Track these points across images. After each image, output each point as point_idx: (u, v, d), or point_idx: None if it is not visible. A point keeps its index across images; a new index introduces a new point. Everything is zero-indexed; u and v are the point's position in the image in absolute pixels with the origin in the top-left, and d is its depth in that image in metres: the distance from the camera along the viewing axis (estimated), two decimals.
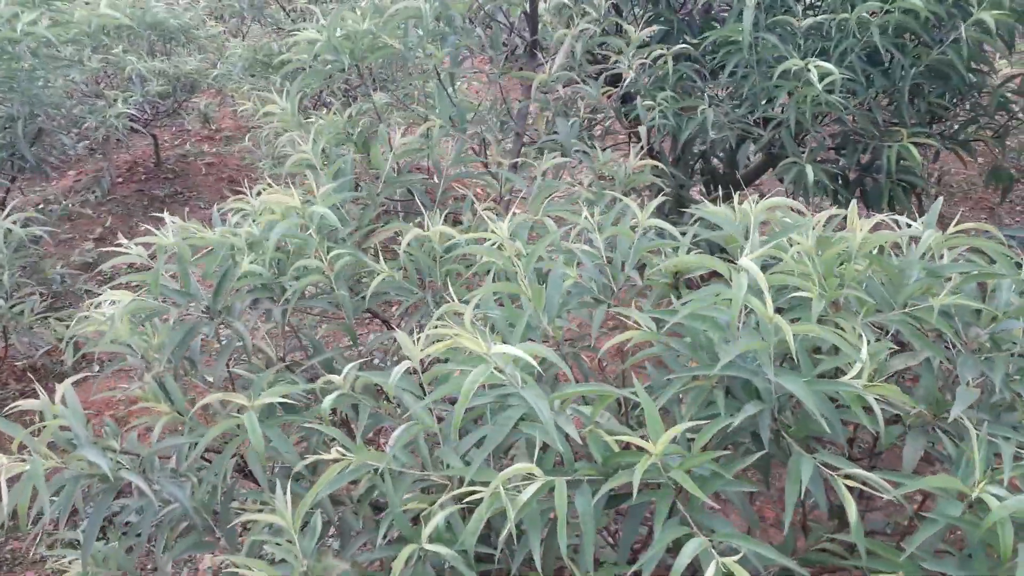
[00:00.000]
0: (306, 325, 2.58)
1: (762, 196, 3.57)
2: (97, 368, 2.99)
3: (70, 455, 1.26)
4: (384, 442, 2.51)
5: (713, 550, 1.08)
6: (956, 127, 3.08)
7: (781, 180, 2.96)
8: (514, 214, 1.78)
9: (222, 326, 1.72)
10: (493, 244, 1.45)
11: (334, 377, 1.50)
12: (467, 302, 1.43)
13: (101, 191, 5.62)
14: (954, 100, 3.03)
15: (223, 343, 1.73)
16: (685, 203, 3.17)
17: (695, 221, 2.01)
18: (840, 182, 3.00)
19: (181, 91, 5.79)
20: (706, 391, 1.26)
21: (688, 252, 1.53)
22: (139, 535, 1.49)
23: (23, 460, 1.19)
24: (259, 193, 1.87)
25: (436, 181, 2.06)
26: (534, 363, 1.07)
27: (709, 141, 2.89)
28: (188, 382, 1.87)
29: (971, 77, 2.80)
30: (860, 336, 1.20)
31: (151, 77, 5.26)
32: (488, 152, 2.30)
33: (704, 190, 3.35)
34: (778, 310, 1.20)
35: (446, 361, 1.33)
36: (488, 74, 2.33)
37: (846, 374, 1.23)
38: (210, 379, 1.75)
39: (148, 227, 1.79)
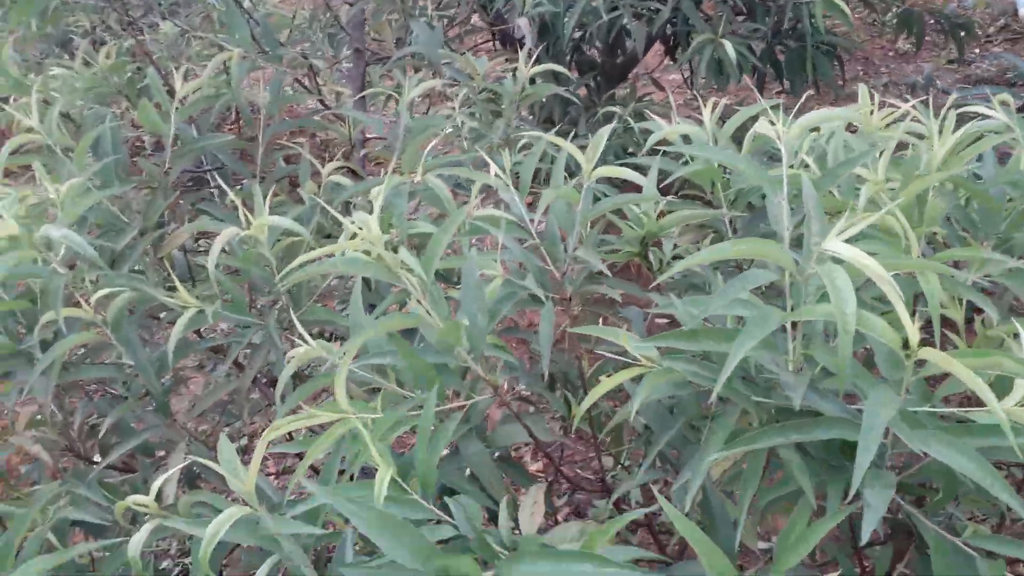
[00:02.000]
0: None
1: (656, 84, 3.04)
2: None
3: None
4: None
5: None
6: None
7: (689, 65, 2.45)
8: (384, 174, 1.20)
9: None
10: (361, 251, 0.86)
11: (139, 499, 0.92)
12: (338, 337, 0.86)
13: None
14: None
15: None
16: (569, 104, 2.61)
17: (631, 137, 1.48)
18: (750, 54, 2.52)
19: None
20: (760, 457, 0.77)
21: (663, 213, 1.02)
22: None
23: None
24: None
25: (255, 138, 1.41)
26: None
27: (594, 27, 2.33)
28: None
29: None
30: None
31: None
32: (320, 82, 1.64)
33: (591, 86, 2.80)
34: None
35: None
36: None
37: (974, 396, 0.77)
38: None
39: None
